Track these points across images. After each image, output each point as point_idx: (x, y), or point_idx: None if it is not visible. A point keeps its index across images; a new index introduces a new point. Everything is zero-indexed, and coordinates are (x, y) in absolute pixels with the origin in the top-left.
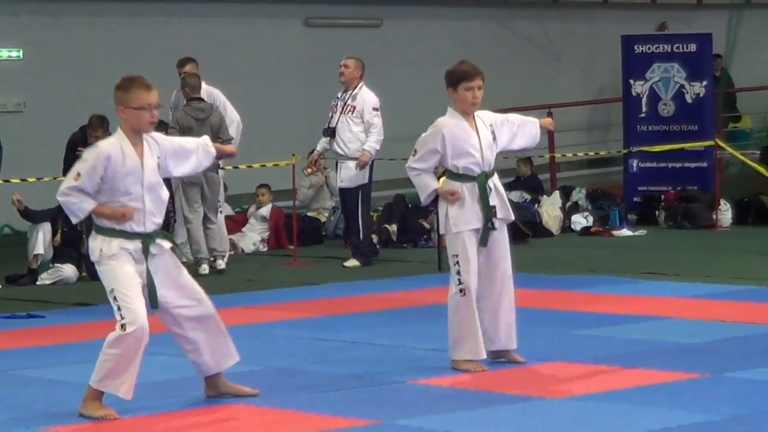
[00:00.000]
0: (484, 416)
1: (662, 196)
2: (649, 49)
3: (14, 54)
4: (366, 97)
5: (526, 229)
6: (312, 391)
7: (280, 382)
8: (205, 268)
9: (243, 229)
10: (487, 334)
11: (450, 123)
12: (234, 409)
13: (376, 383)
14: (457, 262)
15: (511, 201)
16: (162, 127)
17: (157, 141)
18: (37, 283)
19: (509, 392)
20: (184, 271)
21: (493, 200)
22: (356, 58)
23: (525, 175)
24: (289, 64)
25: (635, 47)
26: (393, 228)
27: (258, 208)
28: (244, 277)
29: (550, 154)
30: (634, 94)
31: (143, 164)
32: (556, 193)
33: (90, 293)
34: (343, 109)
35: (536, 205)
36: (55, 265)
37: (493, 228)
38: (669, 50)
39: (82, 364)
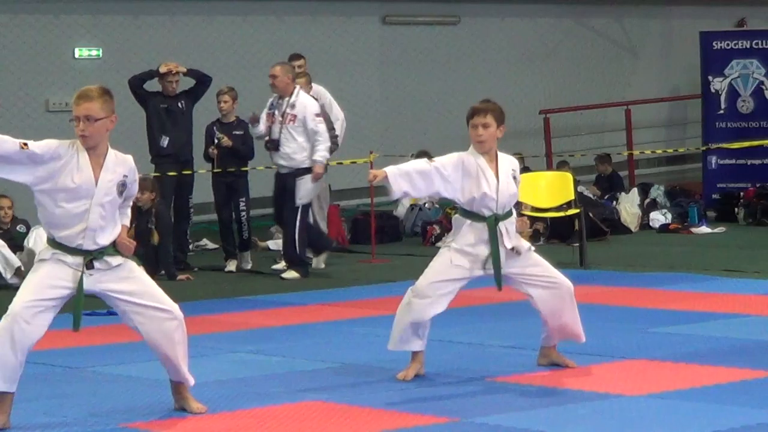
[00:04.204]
0: (563, 414)
1: (741, 193)
2: (728, 45)
3: (94, 53)
4: (306, 103)
5: (604, 226)
6: (390, 388)
7: (358, 380)
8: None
9: None
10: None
11: (468, 157)
12: (313, 406)
13: (454, 381)
14: (429, 269)
15: (588, 197)
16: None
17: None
18: None
19: (588, 390)
20: (141, 281)
21: (508, 243)
22: (282, 64)
23: (605, 173)
24: (366, 61)
25: (714, 43)
26: None
27: None
28: (322, 273)
29: (629, 152)
30: (712, 90)
31: (97, 179)
32: (635, 191)
33: (167, 291)
34: (283, 119)
35: (615, 203)
36: None
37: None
38: (748, 46)
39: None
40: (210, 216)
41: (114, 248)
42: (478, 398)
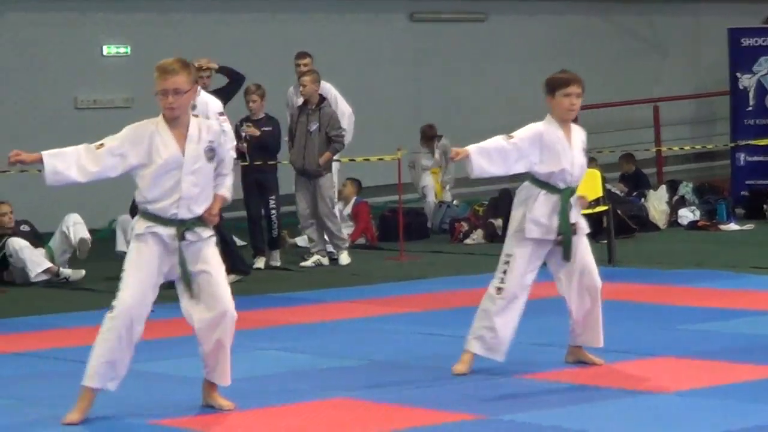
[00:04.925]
0: (590, 411)
1: None
2: (756, 42)
3: (122, 50)
4: (207, 101)
5: (632, 223)
6: (417, 385)
7: (385, 377)
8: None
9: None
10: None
11: (547, 128)
12: (340, 403)
13: (481, 378)
14: (508, 262)
15: (616, 195)
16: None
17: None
18: None
19: (616, 387)
20: (215, 270)
21: (574, 217)
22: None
23: (629, 172)
24: (394, 58)
25: (742, 40)
26: (498, 222)
27: (344, 204)
28: (350, 271)
29: (657, 148)
30: (741, 87)
31: (183, 150)
32: (663, 188)
33: None
34: None
35: (643, 200)
36: None
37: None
38: None
39: (188, 358)
40: (238, 213)
41: (201, 220)
42: (506, 395)
